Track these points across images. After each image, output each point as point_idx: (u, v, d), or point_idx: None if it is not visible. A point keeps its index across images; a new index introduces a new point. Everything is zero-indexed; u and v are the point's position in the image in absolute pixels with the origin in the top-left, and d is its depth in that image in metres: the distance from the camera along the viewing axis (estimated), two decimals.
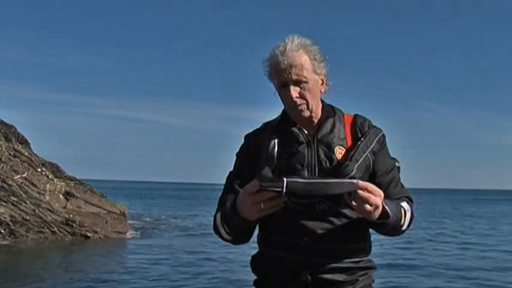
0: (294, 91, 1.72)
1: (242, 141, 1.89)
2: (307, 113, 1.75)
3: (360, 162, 1.70)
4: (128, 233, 16.64)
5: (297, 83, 1.72)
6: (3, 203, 13.91)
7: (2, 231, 13.39)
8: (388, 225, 1.64)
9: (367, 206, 1.50)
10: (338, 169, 1.68)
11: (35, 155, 17.43)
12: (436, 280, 9.69)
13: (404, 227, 1.73)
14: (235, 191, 1.71)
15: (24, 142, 17.25)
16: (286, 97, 1.75)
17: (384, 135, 1.82)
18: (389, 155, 1.85)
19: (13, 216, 13.73)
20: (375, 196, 1.51)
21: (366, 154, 1.73)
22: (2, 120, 17.02)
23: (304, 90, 1.73)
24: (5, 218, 13.53)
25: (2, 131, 16.60)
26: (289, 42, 1.73)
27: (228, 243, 1.81)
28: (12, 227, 13.54)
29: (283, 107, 1.84)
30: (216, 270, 10.17)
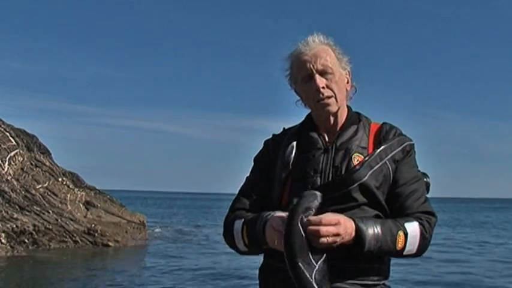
0: (321, 81, 1.62)
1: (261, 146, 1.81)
2: (335, 107, 1.65)
3: (375, 168, 1.59)
4: (147, 242, 16.70)
5: (323, 73, 1.62)
6: (27, 213, 14.02)
7: (26, 240, 13.48)
8: (371, 252, 1.51)
9: (322, 239, 1.41)
10: (349, 175, 1.57)
11: (56, 164, 17.58)
12: None
13: (407, 252, 1.57)
14: (249, 197, 1.69)
15: (45, 152, 17.40)
16: (311, 90, 1.63)
17: (411, 145, 1.69)
18: (416, 166, 1.71)
19: (36, 226, 13.82)
20: (328, 227, 1.42)
21: (384, 161, 1.61)
22: (24, 130, 17.19)
23: (330, 81, 1.63)
24: (28, 227, 13.63)
25: (24, 141, 16.76)
26: (312, 37, 1.67)
27: (233, 251, 1.74)
28: (35, 237, 13.63)
29: (301, 117, 1.75)
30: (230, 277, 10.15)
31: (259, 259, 1.77)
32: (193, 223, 27.97)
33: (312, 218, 1.42)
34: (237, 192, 1.78)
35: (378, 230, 1.50)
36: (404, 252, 1.57)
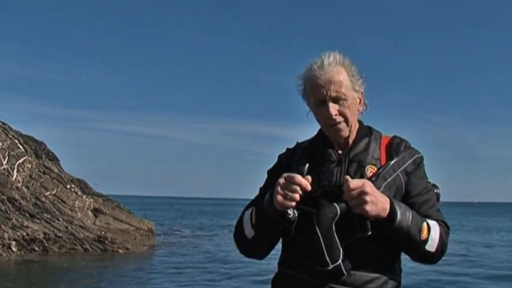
0: (333, 109, 1.66)
1: (275, 160, 1.87)
2: (346, 132, 1.70)
3: (389, 180, 1.63)
4: (155, 248, 16.64)
5: (336, 100, 1.66)
6: (37, 220, 13.95)
7: (36, 248, 13.40)
8: (400, 230, 1.55)
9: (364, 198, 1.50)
10: None
11: (64, 171, 17.52)
12: None
13: (428, 246, 1.61)
14: None
15: (53, 159, 17.34)
16: (324, 115, 1.68)
17: (421, 157, 1.74)
18: (426, 178, 1.76)
19: (46, 234, 13.74)
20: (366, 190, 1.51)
21: (396, 173, 1.66)
22: (33, 137, 17.14)
23: (343, 107, 1.67)
24: (38, 235, 13.55)
25: (33, 148, 16.71)
26: (327, 58, 1.68)
27: (241, 254, 1.78)
28: (46, 244, 13.54)
29: (313, 127, 1.79)
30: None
31: (271, 266, 1.79)
32: (200, 228, 27.95)
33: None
34: (245, 203, 1.83)
35: (409, 213, 1.57)
36: (426, 246, 1.60)
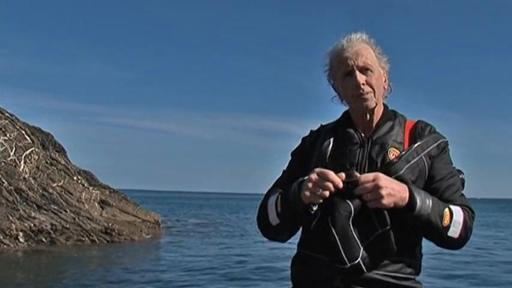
0: (361, 78, 1.65)
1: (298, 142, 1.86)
2: (372, 103, 1.68)
3: (412, 163, 1.61)
4: (161, 239, 16.66)
5: (363, 70, 1.66)
6: (44, 211, 13.96)
7: (44, 239, 13.41)
8: (420, 218, 1.52)
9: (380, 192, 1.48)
10: (385, 168, 1.59)
11: (71, 163, 17.52)
12: None
13: (451, 232, 1.58)
14: (284, 188, 1.69)
15: (60, 150, 17.35)
16: (351, 85, 1.67)
17: (446, 142, 1.72)
18: (451, 162, 1.73)
19: (53, 225, 13.75)
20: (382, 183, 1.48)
21: (420, 156, 1.63)
22: (40, 128, 17.13)
23: (370, 78, 1.66)
24: (46, 226, 13.55)
25: (40, 139, 16.70)
26: (354, 34, 1.71)
27: (264, 238, 1.75)
28: (53, 235, 13.55)
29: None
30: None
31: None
32: (206, 220, 28.03)
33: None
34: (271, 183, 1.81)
35: (429, 200, 1.54)
36: (449, 233, 1.57)
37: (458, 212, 1.60)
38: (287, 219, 1.65)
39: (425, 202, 1.53)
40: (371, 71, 1.67)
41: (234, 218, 33.07)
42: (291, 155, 1.85)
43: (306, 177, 1.57)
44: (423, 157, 1.64)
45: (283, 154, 1.86)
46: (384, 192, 1.47)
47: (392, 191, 1.49)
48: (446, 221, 1.56)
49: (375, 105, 1.69)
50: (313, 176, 1.53)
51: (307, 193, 1.52)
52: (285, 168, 1.84)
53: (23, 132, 16.15)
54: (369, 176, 1.50)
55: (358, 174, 1.51)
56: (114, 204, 17.17)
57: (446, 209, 1.57)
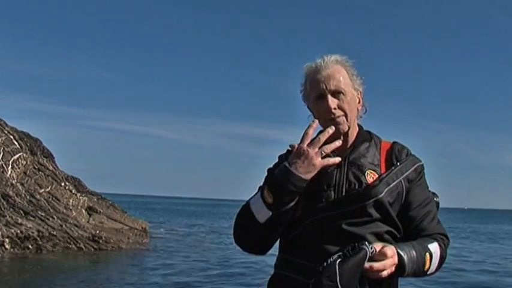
0: (332, 102, 1.66)
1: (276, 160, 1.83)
2: (345, 127, 1.68)
3: (391, 186, 1.63)
4: (149, 247, 16.56)
5: (335, 94, 1.67)
6: (31, 218, 13.82)
7: (30, 246, 13.27)
8: (408, 275, 1.56)
9: (384, 273, 1.48)
10: (366, 191, 1.60)
11: (59, 169, 17.38)
12: None
13: (430, 272, 1.64)
14: None
15: (48, 156, 17.21)
16: (322, 109, 1.67)
17: (422, 166, 1.74)
18: (427, 187, 1.76)
19: (40, 232, 13.61)
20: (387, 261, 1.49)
21: (399, 180, 1.65)
22: (28, 133, 16.99)
23: (342, 102, 1.67)
24: (32, 233, 13.42)
25: (28, 144, 16.56)
26: (327, 57, 1.72)
27: (244, 250, 1.71)
28: (40, 242, 13.42)
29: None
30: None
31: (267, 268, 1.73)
32: (192, 227, 27.91)
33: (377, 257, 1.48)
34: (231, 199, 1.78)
35: (413, 254, 1.56)
36: (428, 272, 1.63)
37: (435, 251, 1.64)
38: (284, 204, 1.57)
39: (411, 259, 1.54)
40: (343, 94, 1.67)
41: (225, 224, 32.98)
42: (267, 171, 1.80)
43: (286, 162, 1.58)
44: (402, 180, 1.66)
45: (271, 161, 1.84)
46: (390, 270, 1.50)
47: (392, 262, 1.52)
48: (427, 266, 1.60)
49: (347, 128, 1.69)
50: (303, 146, 1.56)
51: (317, 159, 1.55)
52: (261, 184, 1.75)
53: (11, 137, 16.01)
54: (391, 260, 1.50)
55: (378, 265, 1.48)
56: (101, 211, 17.05)
57: (427, 254, 1.60)
